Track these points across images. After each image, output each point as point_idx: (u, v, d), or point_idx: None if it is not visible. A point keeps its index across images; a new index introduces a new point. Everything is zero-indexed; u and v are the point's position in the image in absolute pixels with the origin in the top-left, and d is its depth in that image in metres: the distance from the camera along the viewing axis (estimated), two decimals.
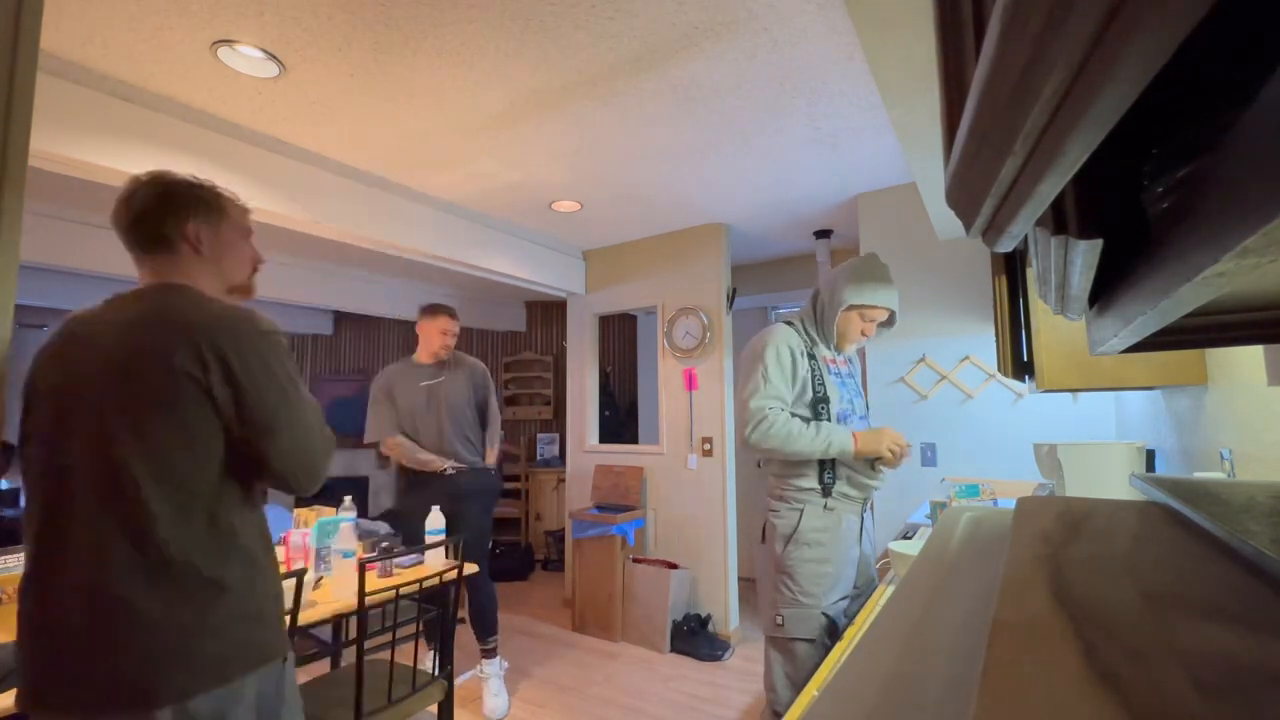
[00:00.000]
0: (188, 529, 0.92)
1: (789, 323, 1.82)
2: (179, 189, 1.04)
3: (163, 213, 1.01)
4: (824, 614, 1.64)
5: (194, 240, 1.04)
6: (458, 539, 2.14)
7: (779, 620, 1.66)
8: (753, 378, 1.71)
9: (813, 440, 1.63)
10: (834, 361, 1.81)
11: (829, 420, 1.71)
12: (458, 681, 2.90)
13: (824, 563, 1.67)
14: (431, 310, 2.85)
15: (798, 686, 1.61)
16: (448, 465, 2.74)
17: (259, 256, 1.17)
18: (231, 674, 0.93)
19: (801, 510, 1.70)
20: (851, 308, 1.74)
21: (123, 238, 1.03)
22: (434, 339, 2.82)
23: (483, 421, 2.94)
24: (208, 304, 0.99)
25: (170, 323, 0.95)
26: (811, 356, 1.75)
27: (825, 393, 1.72)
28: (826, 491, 1.70)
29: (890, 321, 1.82)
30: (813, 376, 1.73)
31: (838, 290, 1.74)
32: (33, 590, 0.91)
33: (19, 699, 0.91)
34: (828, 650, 1.60)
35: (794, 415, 1.71)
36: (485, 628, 2.76)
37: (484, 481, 2.86)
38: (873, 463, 1.73)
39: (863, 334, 1.78)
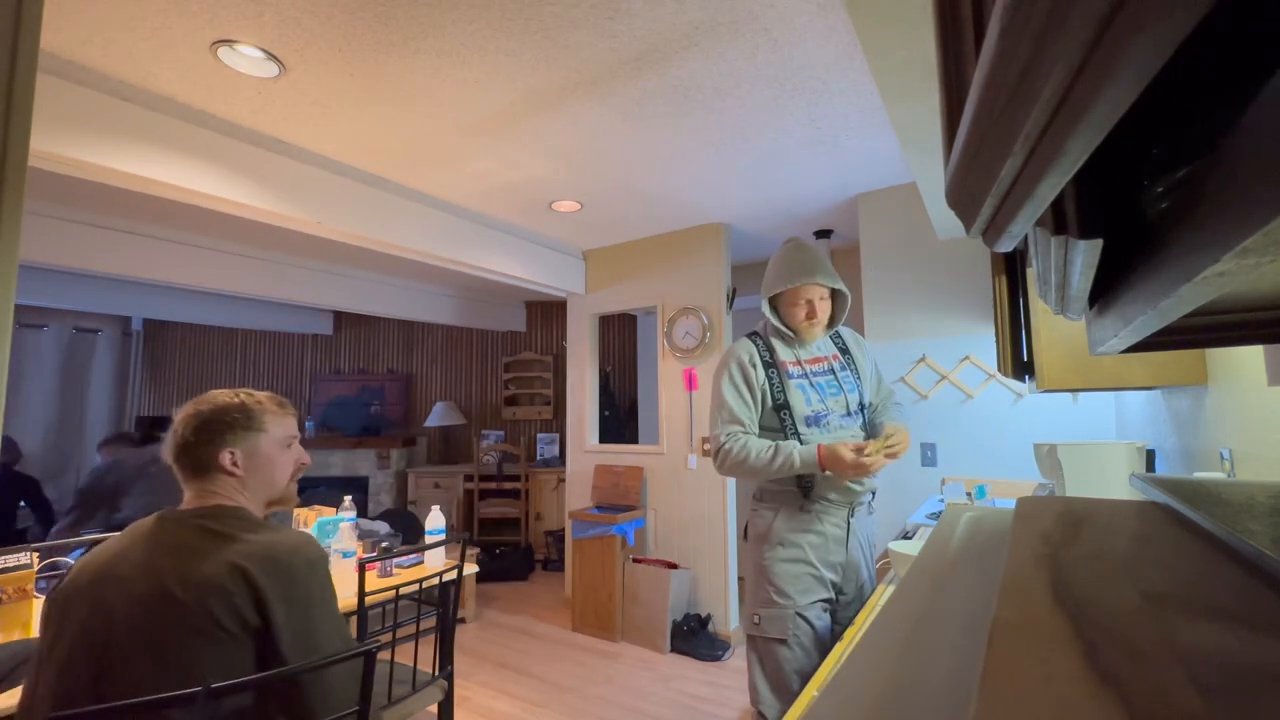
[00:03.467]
0: None
1: (752, 333, 1.81)
2: (215, 416, 1.09)
3: (200, 442, 1.07)
4: (800, 615, 1.59)
5: (229, 467, 1.08)
6: None
7: (756, 619, 1.65)
8: (712, 408, 1.75)
9: (770, 462, 1.61)
10: (800, 364, 1.74)
11: (792, 425, 1.67)
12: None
13: (797, 563, 1.63)
14: None
15: (773, 686, 1.59)
16: None
17: (302, 459, 1.21)
18: None
19: (777, 511, 1.69)
20: (776, 297, 1.76)
21: (172, 465, 1.09)
22: None
23: None
24: (257, 533, 1.03)
25: (217, 556, 0.97)
26: (770, 364, 1.73)
27: (785, 399, 1.69)
28: (806, 494, 1.67)
29: (838, 299, 1.77)
30: (771, 385, 1.71)
31: (763, 291, 1.78)
32: None
33: None
34: (805, 652, 1.58)
35: (763, 429, 1.71)
36: None
37: None
38: None
39: (807, 318, 1.71)
